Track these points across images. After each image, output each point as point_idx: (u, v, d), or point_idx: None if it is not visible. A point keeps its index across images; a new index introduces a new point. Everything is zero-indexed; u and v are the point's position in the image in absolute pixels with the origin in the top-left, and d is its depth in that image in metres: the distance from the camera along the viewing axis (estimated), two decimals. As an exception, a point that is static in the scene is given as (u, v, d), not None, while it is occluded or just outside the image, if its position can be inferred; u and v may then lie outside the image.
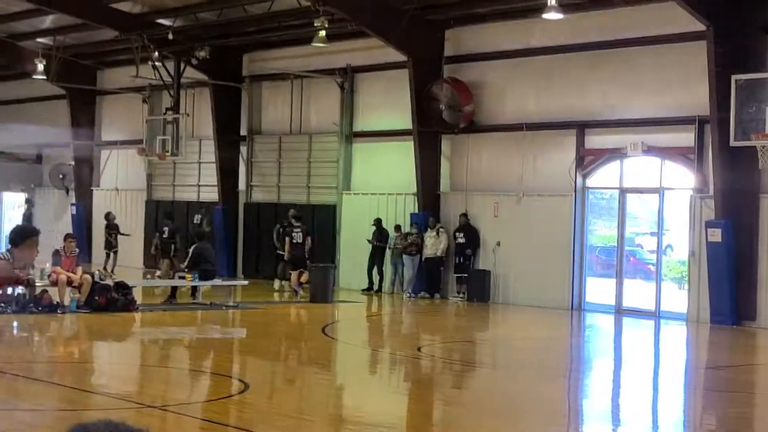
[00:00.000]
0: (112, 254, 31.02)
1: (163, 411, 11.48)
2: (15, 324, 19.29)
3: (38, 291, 20.46)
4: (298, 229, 26.12)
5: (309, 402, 13.09)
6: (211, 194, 31.95)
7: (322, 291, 24.01)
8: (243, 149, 31.51)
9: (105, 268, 27.81)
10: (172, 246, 27.66)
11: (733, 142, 19.12)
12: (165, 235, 28.31)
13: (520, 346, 18.94)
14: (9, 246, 8.71)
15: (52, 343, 18.68)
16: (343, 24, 25.55)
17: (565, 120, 23.38)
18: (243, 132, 31.48)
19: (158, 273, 27.25)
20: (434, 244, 25.26)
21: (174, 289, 23.53)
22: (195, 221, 29.20)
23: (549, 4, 20.54)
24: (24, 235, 8.40)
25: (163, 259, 27.87)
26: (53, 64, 33.98)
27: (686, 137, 21.44)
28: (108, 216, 32.18)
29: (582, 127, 23.27)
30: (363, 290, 26.82)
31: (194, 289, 23.39)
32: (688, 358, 18.74)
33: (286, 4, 26.22)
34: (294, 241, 25.74)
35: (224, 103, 31.19)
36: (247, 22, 28.87)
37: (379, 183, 27.60)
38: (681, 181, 22.07)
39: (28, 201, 28.26)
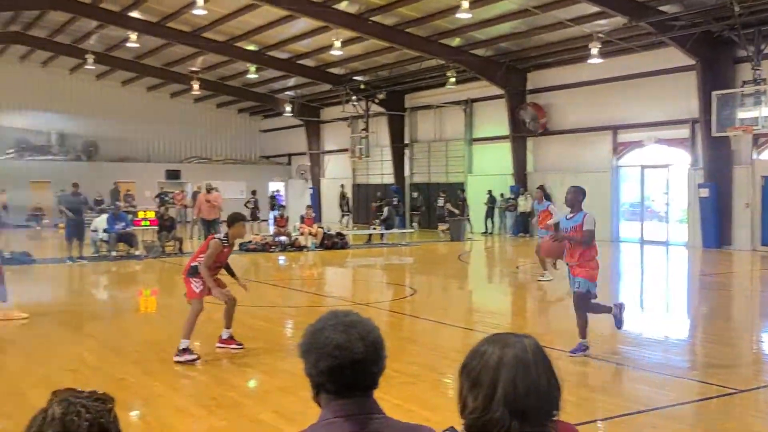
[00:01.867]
0: (345, 216, 32.28)
1: (366, 305, 11.47)
2: (282, 258, 20.22)
3: (293, 239, 22.04)
4: (441, 199, 27.34)
5: (452, 299, 13.42)
6: (389, 178, 33.12)
7: (456, 234, 24.73)
8: (407, 151, 32.55)
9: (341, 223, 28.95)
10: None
11: (714, 134, 19.20)
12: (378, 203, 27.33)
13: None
14: (226, 228, 8.06)
15: (303, 267, 19.17)
16: (464, 73, 26.31)
17: (604, 125, 23.61)
18: (406, 141, 32.48)
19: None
20: (524, 204, 25.80)
21: (370, 236, 24.84)
22: (377, 196, 29.50)
23: (591, 53, 20.99)
24: (235, 220, 8.06)
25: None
26: (296, 106, 35.91)
27: (684, 132, 21.37)
28: (343, 191, 33.51)
29: (615, 129, 23.45)
30: (482, 233, 27.14)
31: (382, 235, 24.36)
32: (689, 270, 18.56)
33: (430, 64, 27.13)
34: (438, 205, 27.06)
35: (394, 125, 32.03)
36: (407, 75, 29.63)
37: (488, 168, 28.15)
38: (680, 160, 21.87)
39: (253, 192, 29.15)
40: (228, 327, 8.11)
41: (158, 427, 5.63)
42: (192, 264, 7.82)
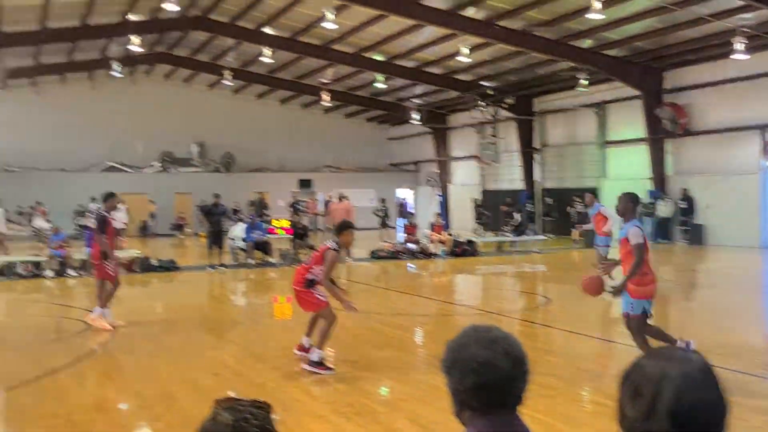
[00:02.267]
0: (480, 225, 31.46)
1: (497, 315, 11.48)
2: (411, 266, 20.18)
3: (422, 246, 22.02)
4: (577, 204, 26.64)
5: (588, 309, 12.31)
6: (518, 184, 32.64)
7: (591, 240, 23.95)
8: (537, 156, 32.00)
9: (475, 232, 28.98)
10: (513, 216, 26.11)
11: None
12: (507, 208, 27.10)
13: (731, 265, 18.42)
14: (335, 236, 8.05)
15: (433, 275, 19.18)
16: (596, 75, 25.55)
17: (751, 124, 22.06)
18: (536, 145, 31.95)
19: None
20: (664, 209, 24.74)
21: (500, 243, 24.48)
22: (506, 201, 29.21)
23: (735, 48, 19.84)
24: (344, 228, 8.13)
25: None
26: (423, 113, 36.15)
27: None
28: (476, 200, 33.13)
29: (764, 128, 21.81)
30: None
31: (512, 242, 23.98)
32: None
33: (560, 67, 26.58)
34: (575, 210, 26.42)
35: (523, 129, 31.56)
36: (536, 78, 29.08)
37: (624, 172, 27.06)
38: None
39: (382, 200, 29.39)
40: (309, 335, 8.06)
41: (298, 433, 5.80)
42: (308, 277, 7.81)
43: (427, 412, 6.19)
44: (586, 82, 25.53)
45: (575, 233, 24.90)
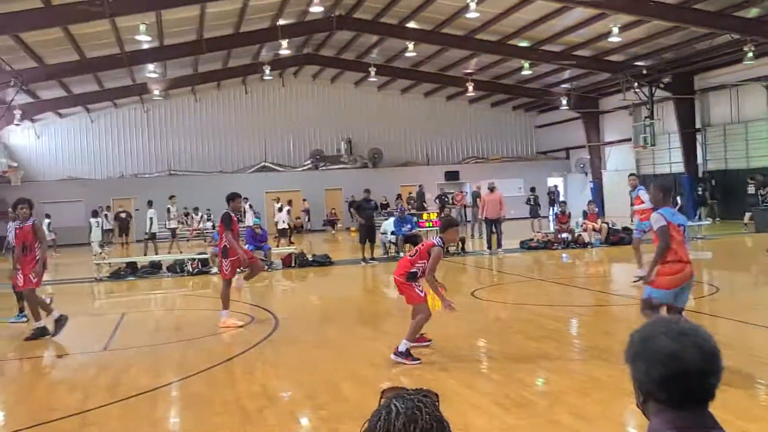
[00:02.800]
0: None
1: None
2: (565, 255, 19.83)
3: (576, 235, 21.47)
4: (752, 186, 24.94)
5: (762, 298, 11.95)
6: (677, 167, 31.08)
7: (763, 224, 22.63)
8: (698, 136, 30.30)
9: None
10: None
11: None
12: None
13: None
14: (441, 232, 8.51)
15: (588, 264, 18.60)
16: (763, 46, 23.80)
17: None
18: (698, 125, 30.25)
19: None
20: None
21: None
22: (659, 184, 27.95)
23: None
24: (449, 225, 8.53)
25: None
26: (572, 98, 35.20)
27: None
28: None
29: None
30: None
31: None
32: None
33: (722, 40, 25.00)
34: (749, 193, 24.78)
35: (682, 109, 30.02)
36: (695, 54, 27.65)
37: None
38: None
39: (532, 189, 28.83)
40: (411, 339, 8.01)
41: (458, 424, 5.85)
42: (411, 270, 7.97)
43: (587, 403, 6.09)
44: (752, 55, 23.84)
45: (747, 217, 23.45)
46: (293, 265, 19.51)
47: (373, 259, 19.32)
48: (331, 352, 8.74)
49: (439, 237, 8.22)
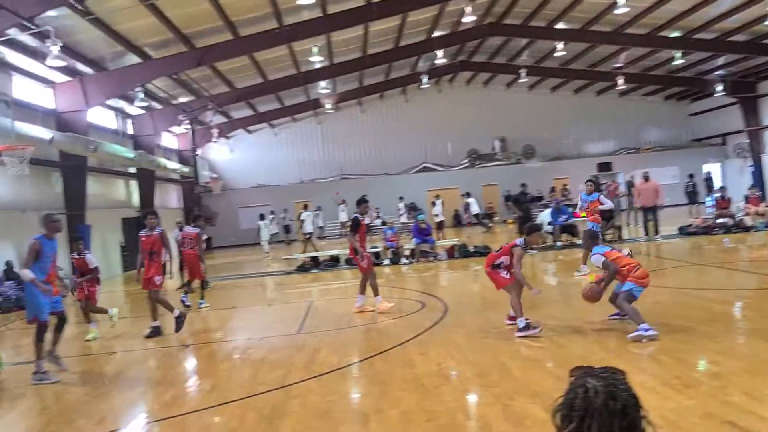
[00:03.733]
0: None
1: None
2: (726, 240, 18.56)
3: (737, 219, 19.96)
4: None
5: None
6: None
7: None
8: None
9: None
10: None
11: None
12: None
13: None
14: (526, 235, 8.83)
15: (752, 248, 17.21)
16: None
17: None
18: None
19: None
20: None
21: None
22: None
23: None
24: (533, 230, 9.01)
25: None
26: (727, 84, 32.70)
27: None
28: None
29: None
30: None
31: None
32: None
33: None
34: None
35: None
36: None
37: None
38: None
39: (690, 175, 26.97)
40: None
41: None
42: (495, 262, 8.84)
43: (761, 384, 5.68)
44: None
45: None
46: (456, 255, 19.58)
47: (532, 248, 18.95)
48: (497, 334, 8.70)
49: (523, 239, 8.83)
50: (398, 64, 32.86)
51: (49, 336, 8.52)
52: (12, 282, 16.90)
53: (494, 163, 38.98)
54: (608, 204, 14.67)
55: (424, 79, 33.28)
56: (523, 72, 32.84)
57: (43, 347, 8.37)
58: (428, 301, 12.05)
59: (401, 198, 32.33)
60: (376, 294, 11.44)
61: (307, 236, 25.25)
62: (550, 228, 19.85)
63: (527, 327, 8.33)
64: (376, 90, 37.04)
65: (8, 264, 17.37)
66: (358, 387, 6.95)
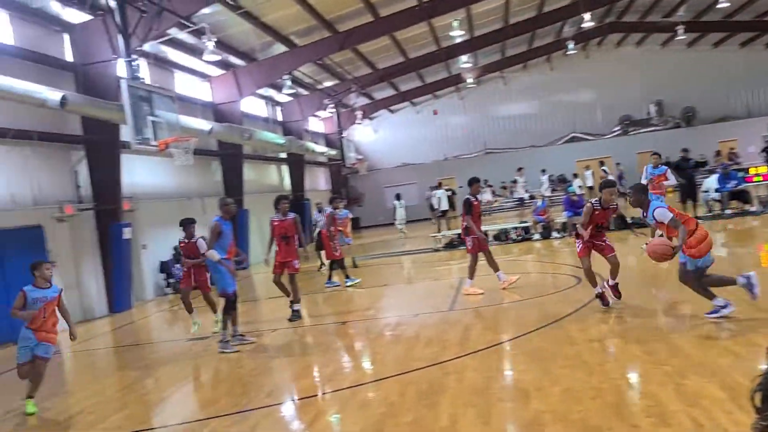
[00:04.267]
0: None
1: None
2: None
3: None
4: None
5: None
6: None
7: None
8: None
9: None
10: None
11: None
12: None
13: None
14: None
15: None
16: None
17: None
18: None
19: None
20: None
21: None
22: None
23: None
24: (605, 186, 8.91)
25: None
26: None
27: None
28: None
29: None
30: None
31: None
32: None
33: None
34: None
35: None
36: None
37: None
38: None
39: None
40: (613, 278, 8.93)
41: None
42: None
43: None
44: None
45: None
46: (611, 227, 18.73)
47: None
48: (663, 310, 8.24)
49: (598, 198, 8.85)
50: (542, 31, 31.79)
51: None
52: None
53: (649, 129, 36.80)
54: (672, 180, 13.75)
55: (570, 45, 31.99)
56: (680, 29, 30.62)
57: (235, 318, 9.37)
58: (584, 276, 11.62)
59: (543, 171, 31.37)
60: (470, 276, 11.20)
61: (440, 214, 25.28)
62: (717, 195, 18.47)
63: (602, 296, 8.76)
64: (518, 60, 36.12)
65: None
66: (516, 363, 6.83)
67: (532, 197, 29.05)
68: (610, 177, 25.05)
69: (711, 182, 18.83)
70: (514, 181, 32.56)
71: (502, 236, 19.40)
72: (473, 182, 11.56)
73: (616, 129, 37.63)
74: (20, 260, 12.51)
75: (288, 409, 6.38)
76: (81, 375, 9.51)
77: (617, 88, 37.65)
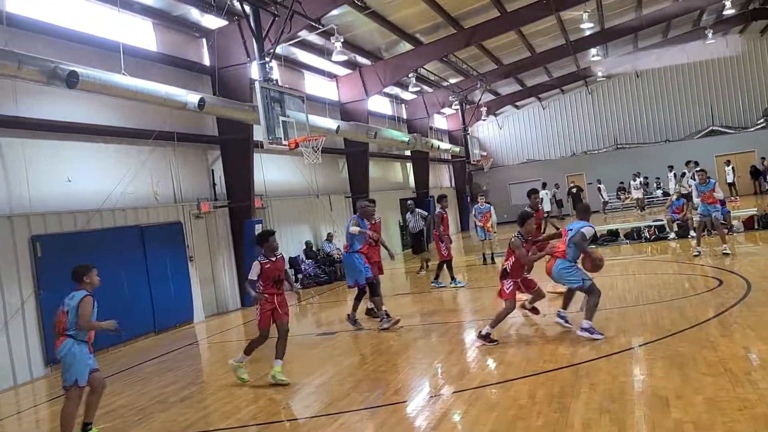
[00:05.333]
0: None
1: None
2: None
3: None
4: None
5: None
6: None
7: None
8: None
9: None
10: None
11: None
12: None
13: None
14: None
15: None
16: None
17: None
18: None
19: None
20: None
21: None
22: None
23: None
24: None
25: None
26: None
27: None
28: None
29: None
30: None
31: None
32: None
33: None
34: None
35: None
36: None
37: None
38: None
39: None
40: None
41: None
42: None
43: None
44: None
45: None
46: (756, 227, 17.47)
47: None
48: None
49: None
50: (678, 20, 30.06)
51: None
52: (311, 261, 18.85)
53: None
54: (720, 195, 14.25)
55: (709, 34, 30.09)
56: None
57: (381, 301, 10.47)
58: (726, 278, 10.90)
59: (671, 167, 29.42)
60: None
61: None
62: None
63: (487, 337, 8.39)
64: (652, 51, 34.36)
65: (308, 244, 19.35)
66: (654, 369, 6.45)
67: (665, 194, 27.60)
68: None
69: None
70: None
71: (634, 235, 18.54)
72: (531, 193, 11.51)
73: (761, 121, 34.99)
74: (161, 255, 13.41)
75: (415, 406, 6.37)
76: (216, 366, 9.98)
77: (761, 78, 35.04)
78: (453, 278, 14.27)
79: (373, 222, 11.23)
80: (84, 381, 6.21)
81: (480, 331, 8.47)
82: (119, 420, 7.19)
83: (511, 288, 8.34)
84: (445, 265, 14.39)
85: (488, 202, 17.97)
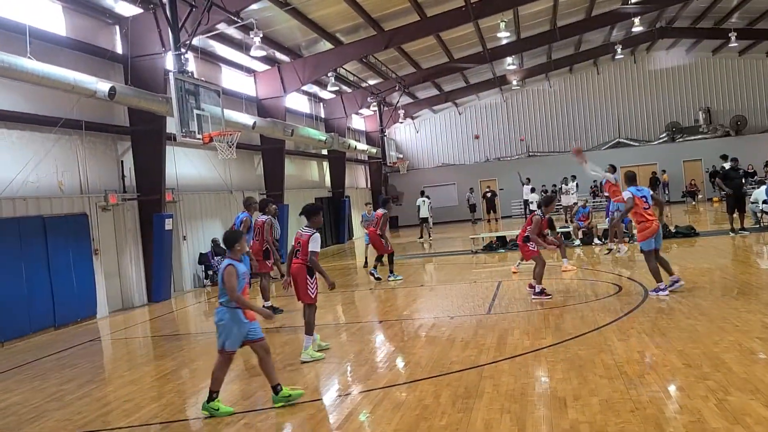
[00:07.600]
0: None
1: None
2: None
3: None
4: None
5: None
6: None
7: None
8: None
9: None
10: None
11: None
12: None
13: None
14: None
15: None
16: None
17: None
18: None
19: None
20: None
21: None
22: None
23: None
24: (548, 202, 11.38)
25: None
26: None
27: None
28: None
29: None
30: None
31: None
32: None
33: None
34: None
35: None
36: None
37: None
38: None
39: None
40: None
41: None
42: (525, 234, 11.12)
43: None
44: None
45: None
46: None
47: (743, 229, 17.31)
48: (706, 322, 8.02)
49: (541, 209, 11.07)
50: (590, 35, 31.32)
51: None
52: (219, 257, 18.48)
53: (698, 137, 36.02)
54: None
55: (618, 50, 31.50)
56: (733, 35, 29.90)
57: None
58: (625, 285, 11.43)
59: (573, 177, 30.54)
60: (564, 256, 14.23)
61: (421, 221, 26.50)
62: (766, 207, 17.97)
63: (542, 292, 10.60)
64: (564, 64, 35.69)
65: (214, 241, 18.99)
66: (554, 371, 6.69)
67: (575, 203, 28.61)
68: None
69: (760, 194, 18.34)
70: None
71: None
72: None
73: (663, 136, 36.93)
74: (65, 247, 12.87)
75: (320, 407, 6.37)
76: (118, 363, 9.67)
77: (665, 94, 37.00)
78: (392, 272, 15.06)
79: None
80: None
81: (534, 290, 10.68)
82: (12, 417, 6.85)
83: (534, 247, 10.71)
84: (385, 258, 15.25)
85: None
